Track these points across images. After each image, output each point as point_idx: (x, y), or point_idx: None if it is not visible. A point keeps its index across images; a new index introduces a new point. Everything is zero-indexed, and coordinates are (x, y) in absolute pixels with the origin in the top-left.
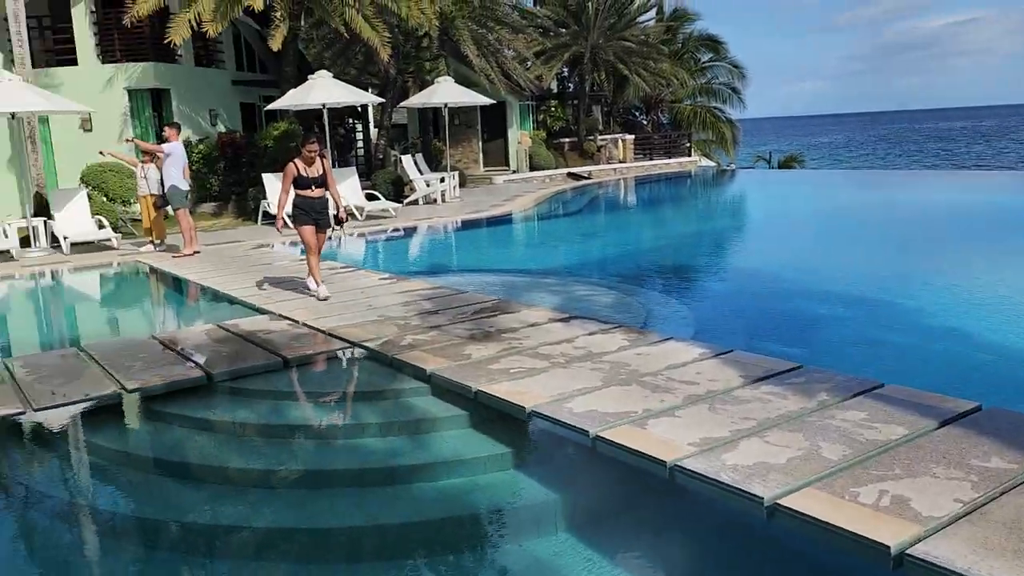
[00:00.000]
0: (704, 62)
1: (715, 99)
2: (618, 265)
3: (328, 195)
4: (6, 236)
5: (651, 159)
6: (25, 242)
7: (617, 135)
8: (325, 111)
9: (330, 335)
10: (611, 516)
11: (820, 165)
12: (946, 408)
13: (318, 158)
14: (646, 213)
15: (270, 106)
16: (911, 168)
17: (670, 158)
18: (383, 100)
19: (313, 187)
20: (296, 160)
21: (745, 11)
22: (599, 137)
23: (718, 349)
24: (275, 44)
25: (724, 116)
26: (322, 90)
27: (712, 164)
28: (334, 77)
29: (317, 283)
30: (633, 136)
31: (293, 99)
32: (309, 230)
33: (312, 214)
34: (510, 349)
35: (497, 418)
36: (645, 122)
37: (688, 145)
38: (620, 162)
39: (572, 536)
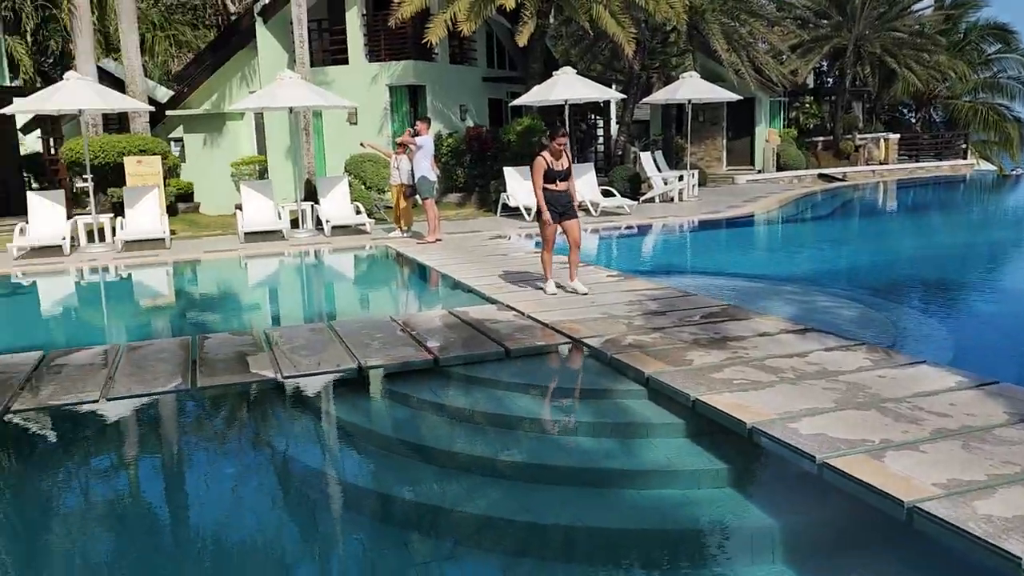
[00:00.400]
0: (990, 54)
1: (1001, 95)
2: (868, 276)
3: (571, 189)
4: (280, 218)
5: (916, 161)
6: (295, 224)
7: (879, 134)
8: (567, 107)
9: (553, 329)
10: (835, 554)
11: None
12: None
13: (565, 152)
14: (905, 220)
15: (515, 102)
16: None
17: (940, 160)
18: (624, 96)
19: (559, 181)
20: (544, 153)
21: None
22: (858, 136)
23: (980, 380)
24: (522, 40)
25: (1011, 114)
26: (565, 86)
27: (992, 168)
28: (579, 73)
29: (547, 278)
30: (897, 136)
31: (537, 95)
32: (550, 228)
33: (557, 207)
34: (735, 358)
35: (716, 431)
36: (914, 120)
37: (964, 146)
38: (880, 163)
39: (789, 569)
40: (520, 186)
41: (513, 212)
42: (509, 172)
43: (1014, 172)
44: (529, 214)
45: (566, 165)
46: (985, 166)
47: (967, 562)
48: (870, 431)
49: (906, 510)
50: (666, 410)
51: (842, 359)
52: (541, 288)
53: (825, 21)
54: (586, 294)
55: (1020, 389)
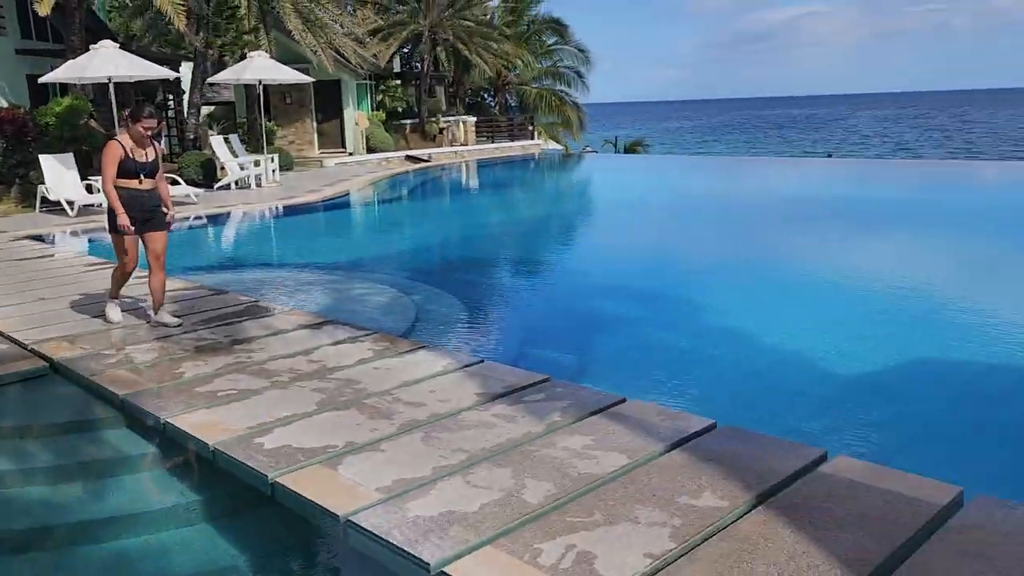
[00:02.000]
0: (550, 45)
1: (561, 82)
2: (417, 259)
3: (161, 190)
4: None
5: (493, 142)
6: None
7: (460, 117)
8: (111, 85)
9: (27, 348)
10: None
11: (666, 150)
12: (679, 427)
13: (153, 142)
14: (471, 200)
15: (44, 79)
16: (749, 154)
17: (513, 141)
18: (177, 75)
19: (143, 177)
20: (121, 137)
21: None
22: (442, 119)
23: (467, 360)
24: (43, 8)
25: (570, 100)
26: (104, 61)
27: (560, 148)
28: (145, 48)
29: (113, 296)
30: (475, 118)
31: (71, 71)
32: (129, 239)
33: (140, 212)
34: (235, 364)
35: (189, 458)
36: (493, 104)
37: (531, 128)
38: (462, 145)
39: None
40: (61, 177)
41: (55, 207)
42: (47, 160)
43: (586, 151)
44: (72, 208)
45: (152, 157)
46: (553, 146)
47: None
48: (338, 435)
49: (342, 524)
50: (141, 438)
51: (347, 352)
52: (101, 314)
53: (402, 7)
54: (179, 325)
55: (500, 367)
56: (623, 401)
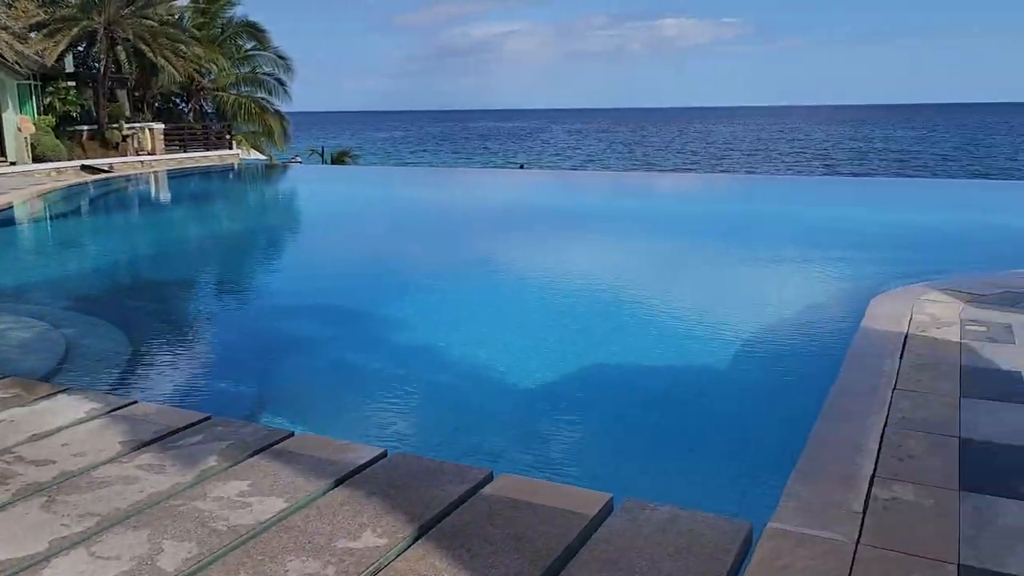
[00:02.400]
0: (248, 50)
1: (262, 90)
2: (80, 285)
3: None
4: None
5: (185, 151)
6: None
7: (146, 124)
8: None
9: None
10: None
11: (377, 160)
12: (347, 460)
13: None
14: (152, 215)
15: None
16: (457, 164)
17: (209, 150)
18: None
19: None
20: None
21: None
22: (125, 126)
23: (117, 402)
24: None
25: (272, 108)
26: None
27: (263, 158)
28: None
29: None
30: (163, 126)
31: None
32: None
33: None
34: None
35: None
36: (187, 111)
37: (229, 137)
38: (149, 154)
39: None
40: None
41: None
42: None
43: (294, 161)
44: None
45: None
46: (256, 156)
47: None
48: None
49: None
50: None
51: None
52: None
53: (73, 1)
54: None
55: (155, 407)
56: (290, 436)
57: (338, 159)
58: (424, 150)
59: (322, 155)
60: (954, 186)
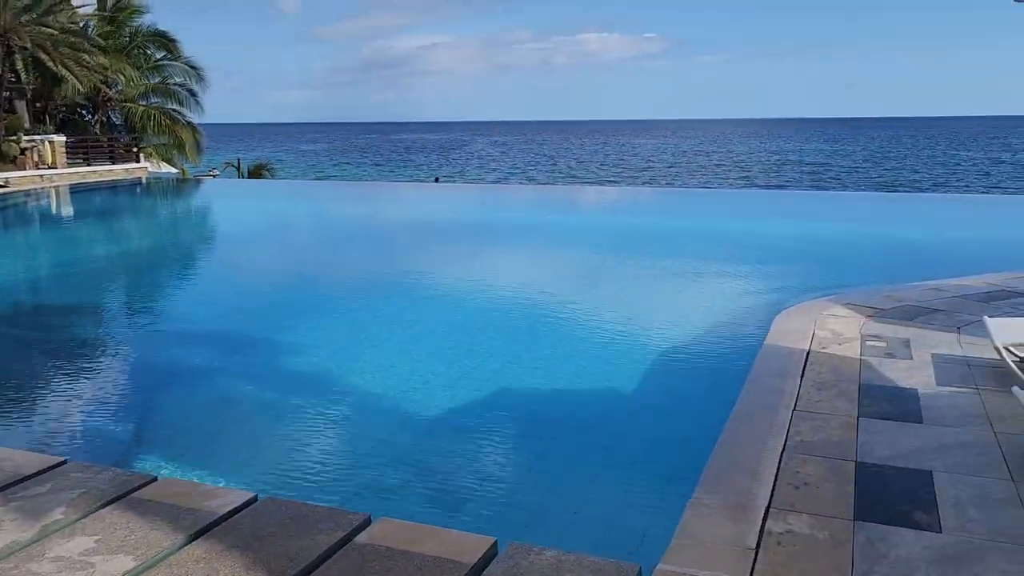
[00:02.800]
0: (158, 60)
1: (172, 101)
2: None
3: None
4: None
5: (89, 165)
6: None
7: (46, 136)
8: None
9: None
10: None
11: (294, 173)
12: (212, 507)
13: None
14: (43, 234)
15: None
16: (379, 177)
17: (114, 164)
18: None
19: None
20: None
21: (226, 12)
22: (24, 139)
23: None
24: None
25: (184, 119)
26: None
27: (174, 171)
28: None
29: None
30: (64, 138)
31: None
32: None
33: None
34: None
35: None
36: (93, 122)
37: (137, 150)
38: (50, 168)
39: None
40: None
41: None
42: None
43: (211, 174)
44: None
45: None
46: (167, 169)
47: None
48: None
49: None
50: None
51: None
52: None
53: None
54: None
55: (7, 451)
56: (153, 481)
57: (255, 172)
58: (347, 162)
59: (238, 168)
60: (861, 199)
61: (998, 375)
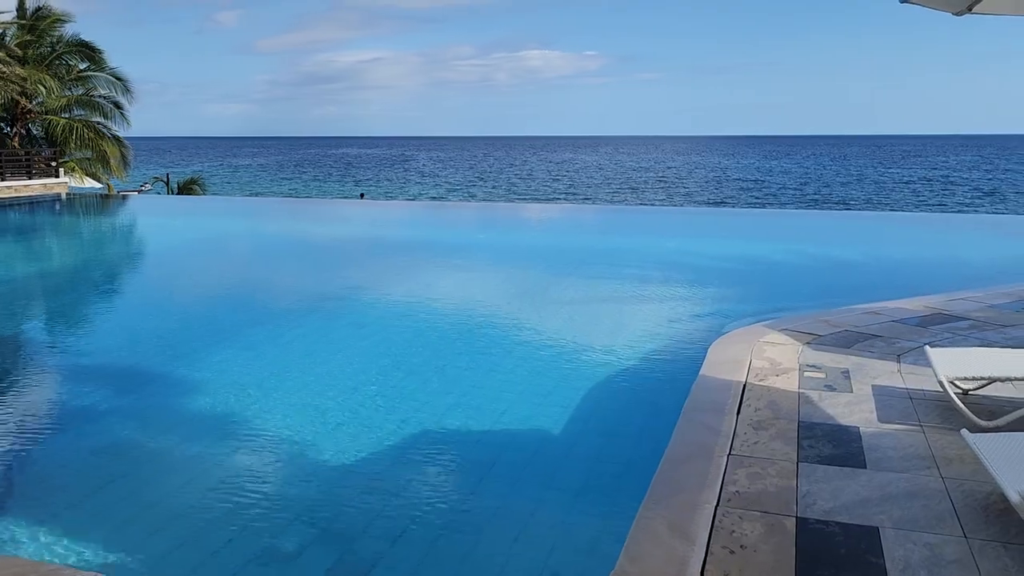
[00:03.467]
0: (81, 71)
1: (97, 113)
2: None
3: None
4: None
5: (3, 179)
6: None
7: None
8: None
9: None
10: None
11: (229, 188)
12: None
13: None
14: None
15: None
16: (317, 193)
17: (32, 179)
18: None
19: None
20: None
21: (164, 25)
22: None
23: None
24: None
25: (109, 133)
26: None
27: (98, 186)
28: None
29: None
30: None
31: None
32: None
33: None
34: None
35: None
36: (11, 136)
37: (56, 164)
38: None
39: None
40: None
41: None
42: None
43: (142, 189)
44: None
45: None
46: (91, 184)
47: None
48: None
49: None
50: None
51: None
52: None
53: None
54: None
55: None
56: None
57: (185, 188)
58: (285, 177)
59: (167, 183)
60: (795, 217)
61: (941, 409)
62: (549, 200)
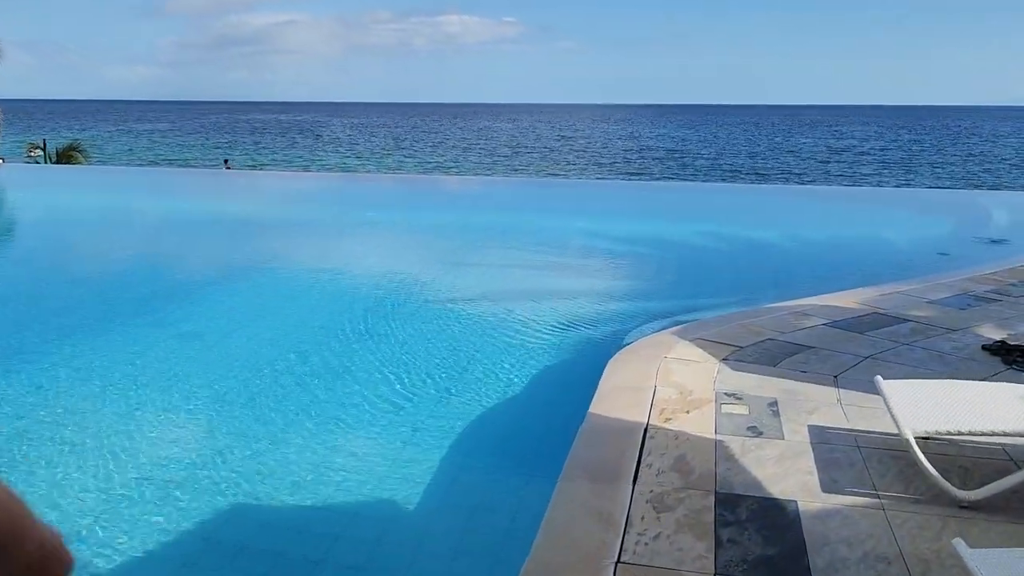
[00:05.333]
0: None
1: None
2: None
3: None
4: None
5: None
6: None
7: None
8: None
9: None
10: None
11: (123, 157)
12: None
13: None
14: None
15: None
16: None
17: None
18: None
19: None
20: None
21: None
22: None
23: None
24: None
25: None
26: None
27: None
28: None
29: None
30: None
31: None
32: None
33: None
34: None
35: None
36: None
37: None
38: None
39: None
40: None
41: None
42: None
43: (32, 155)
44: None
45: None
46: None
47: None
48: None
49: None
50: None
51: None
52: None
53: None
54: None
55: None
56: None
57: (64, 156)
58: (189, 144)
59: (44, 151)
60: (709, 191)
61: (900, 466)
62: (451, 171)
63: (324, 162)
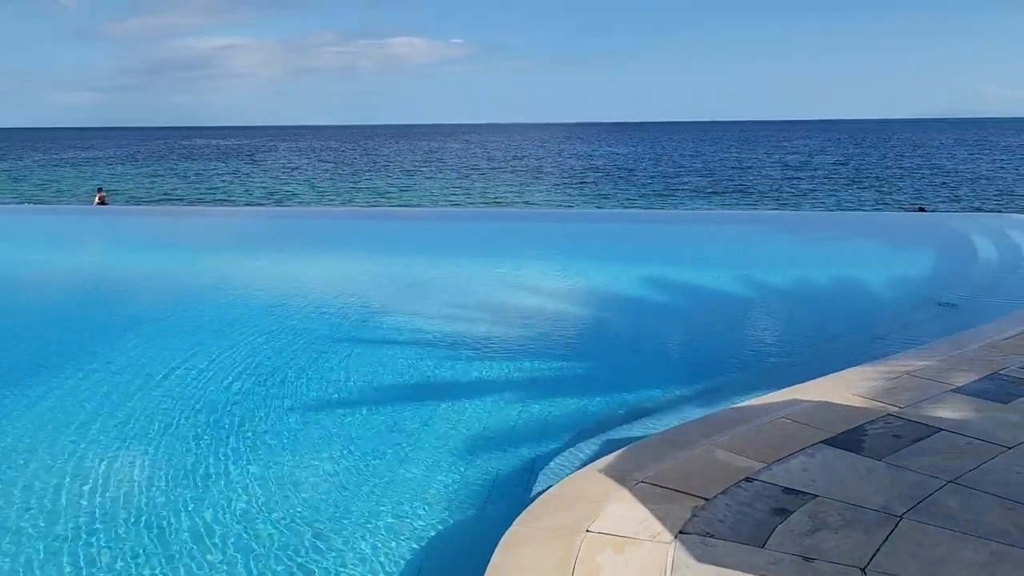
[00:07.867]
0: None
1: None
2: None
3: None
4: None
5: None
6: None
7: None
8: None
9: None
10: None
11: (35, 193)
12: None
13: None
14: None
15: None
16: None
17: None
18: None
19: None
20: None
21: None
22: None
23: None
24: None
25: None
26: None
27: None
28: None
29: None
30: None
31: None
32: None
33: None
34: None
35: None
36: None
37: None
38: None
39: None
40: None
41: None
42: None
43: None
44: None
45: None
46: None
47: None
48: None
49: None
50: None
51: None
52: None
53: None
54: None
55: None
56: None
57: None
58: (120, 174)
59: None
60: (654, 220)
61: None
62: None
63: (250, 192)
